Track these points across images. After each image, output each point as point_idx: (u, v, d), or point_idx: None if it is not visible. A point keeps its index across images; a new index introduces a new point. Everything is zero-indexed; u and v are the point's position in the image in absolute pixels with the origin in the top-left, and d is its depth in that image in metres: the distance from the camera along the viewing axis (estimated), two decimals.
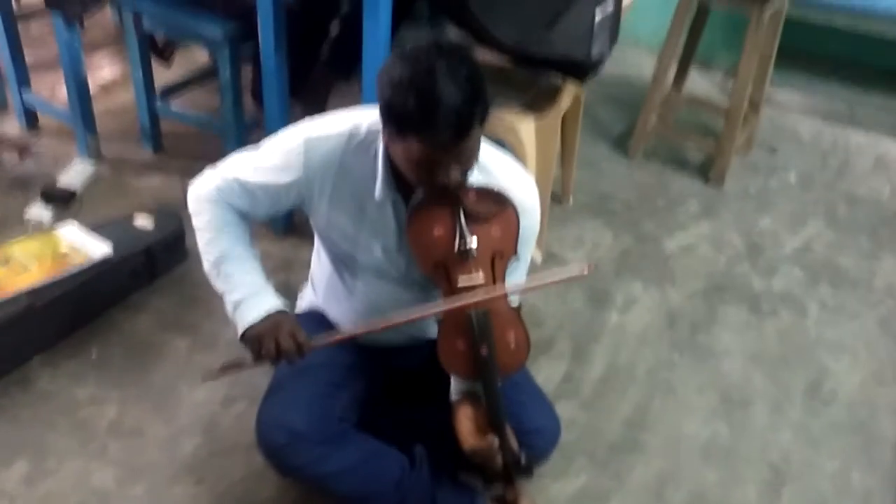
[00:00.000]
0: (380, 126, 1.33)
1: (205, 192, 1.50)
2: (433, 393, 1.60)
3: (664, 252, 2.61)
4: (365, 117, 1.48)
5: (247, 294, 1.46)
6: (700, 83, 3.72)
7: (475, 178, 1.42)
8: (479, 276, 1.43)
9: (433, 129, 1.21)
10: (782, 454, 1.91)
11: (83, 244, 2.12)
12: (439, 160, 1.27)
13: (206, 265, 1.49)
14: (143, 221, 2.27)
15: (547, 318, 2.26)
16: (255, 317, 1.43)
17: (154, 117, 2.77)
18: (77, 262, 2.05)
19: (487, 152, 1.49)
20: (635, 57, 3.96)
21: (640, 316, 2.32)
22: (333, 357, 1.65)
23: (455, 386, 1.53)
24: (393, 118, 1.26)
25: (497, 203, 1.46)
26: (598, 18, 1.90)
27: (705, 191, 2.97)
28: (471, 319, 1.41)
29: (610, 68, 3.89)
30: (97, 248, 2.11)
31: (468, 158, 1.30)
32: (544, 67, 1.95)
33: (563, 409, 1.82)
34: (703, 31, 3.14)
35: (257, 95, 2.79)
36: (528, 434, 1.54)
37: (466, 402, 1.50)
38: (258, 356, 1.42)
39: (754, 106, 3.11)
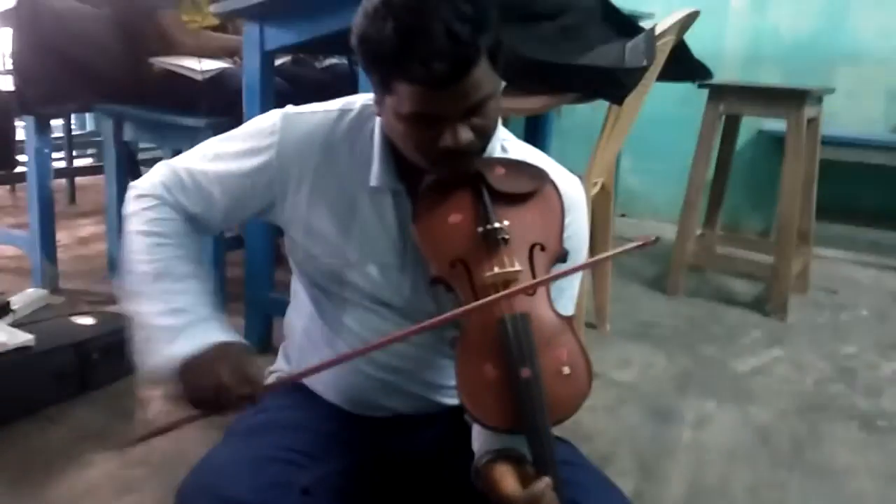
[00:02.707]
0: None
1: (147, 188, 1.10)
2: (453, 490, 1.06)
3: (734, 373, 2.10)
4: (360, 96, 1.14)
5: (188, 322, 1.01)
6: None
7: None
8: (514, 265, 0.98)
9: (421, 57, 0.87)
10: None
11: None
12: (438, 111, 0.91)
13: (132, 277, 1.04)
14: (82, 319, 1.82)
15: (597, 433, 1.70)
16: (194, 348, 0.98)
17: None
18: None
19: (518, 144, 1.15)
20: (655, 226, 3.75)
21: (722, 432, 1.76)
22: (304, 420, 1.14)
23: (483, 443, 1.00)
24: (370, 57, 0.93)
25: (531, 178, 1.07)
26: (628, 45, 1.64)
27: (767, 322, 2.51)
28: (505, 325, 0.94)
29: (631, 233, 3.69)
30: (15, 336, 1.65)
31: (478, 111, 0.93)
32: (573, 88, 1.64)
33: None
34: (730, 165, 2.93)
35: None
36: None
37: (504, 460, 0.96)
38: (190, 398, 0.97)
39: (803, 236, 2.76)
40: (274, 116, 1.10)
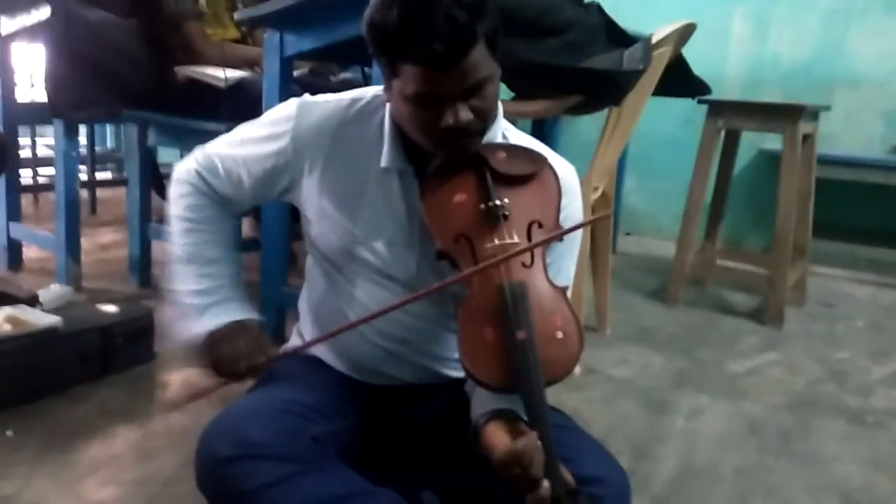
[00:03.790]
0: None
1: (184, 173, 1.25)
2: (451, 451, 1.16)
3: (729, 372, 2.18)
4: (371, 88, 1.25)
5: (212, 302, 1.17)
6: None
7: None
8: (513, 238, 1.08)
9: (423, 39, 0.97)
10: None
11: (28, 317, 1.76)
12: (439, 91, 1.01)
13: (174, 257, 1.21)
14: (107, 307, 1.92)
15: (593, 420, 1.78)
16: (216, 324, 1.14)
17: (145, 244, 2.54)
18: (13, 330, 1.68)
19: (518, 133, 1.26)
20: (658, 243, 3.83)
21: (714, 423, 1.83)
22: (316, 383, 1.23)
23: (481, 405, 1.08)
24: (378, 42, 1.03)
25: (531, 162, 1.17)
26: (626, 52, 1.75)
27: (763, 330, 2.59)
28: (503, 291, 1.02)
29: (634, 249, 3.78)
30: (44, 318, 1.75)
31: (477, 92, 1.03)
32: (573, 89, 1.74)
33: None
34: (730, 177, 3.02)
35: (258, 215, 2.58)
36: (586, 484, 1.06)
37: (499, 419, 1.04)
38: (213, 367, 1.12)
39: (800, 250, 2.84)
40: (291, 105, 1.21)
